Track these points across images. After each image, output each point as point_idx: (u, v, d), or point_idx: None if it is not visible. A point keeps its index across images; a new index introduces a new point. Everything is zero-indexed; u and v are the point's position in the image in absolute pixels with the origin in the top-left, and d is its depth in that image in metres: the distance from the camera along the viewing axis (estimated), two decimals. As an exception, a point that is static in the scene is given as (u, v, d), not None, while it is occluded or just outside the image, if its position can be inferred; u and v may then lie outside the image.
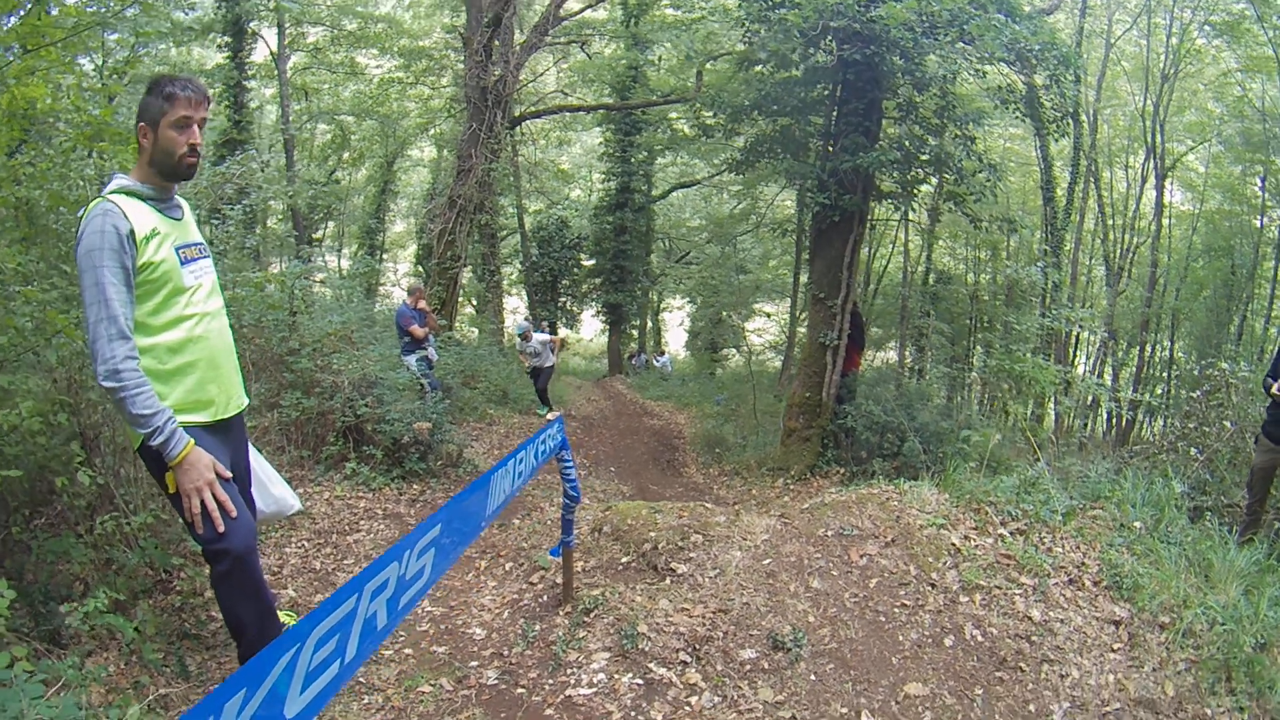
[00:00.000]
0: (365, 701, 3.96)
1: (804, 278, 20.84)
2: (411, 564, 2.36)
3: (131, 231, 3.04)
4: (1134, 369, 27.03)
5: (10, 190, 4.93)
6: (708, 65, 19.15)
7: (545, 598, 5.19)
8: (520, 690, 4.11)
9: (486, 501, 3.18)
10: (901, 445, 11.32)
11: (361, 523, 7.20)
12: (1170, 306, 26.11)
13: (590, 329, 45.47)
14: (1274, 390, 6.58)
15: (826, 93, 12.73)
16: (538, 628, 4.70)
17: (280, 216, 28.64)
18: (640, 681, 4.05)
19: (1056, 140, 20.01)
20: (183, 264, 3.25)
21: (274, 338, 8.57)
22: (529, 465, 3.88)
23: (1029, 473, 6.29)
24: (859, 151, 11.45)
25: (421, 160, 37.21)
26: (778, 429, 13.89)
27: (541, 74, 28.54)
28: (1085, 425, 22.81)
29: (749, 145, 14.11)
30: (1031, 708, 3.97)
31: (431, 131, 31.73)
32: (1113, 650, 4.31)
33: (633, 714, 3.84)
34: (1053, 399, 19.74)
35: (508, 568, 6.08)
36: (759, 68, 13.13)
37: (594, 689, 4.04)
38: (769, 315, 36.96)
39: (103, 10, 5.55)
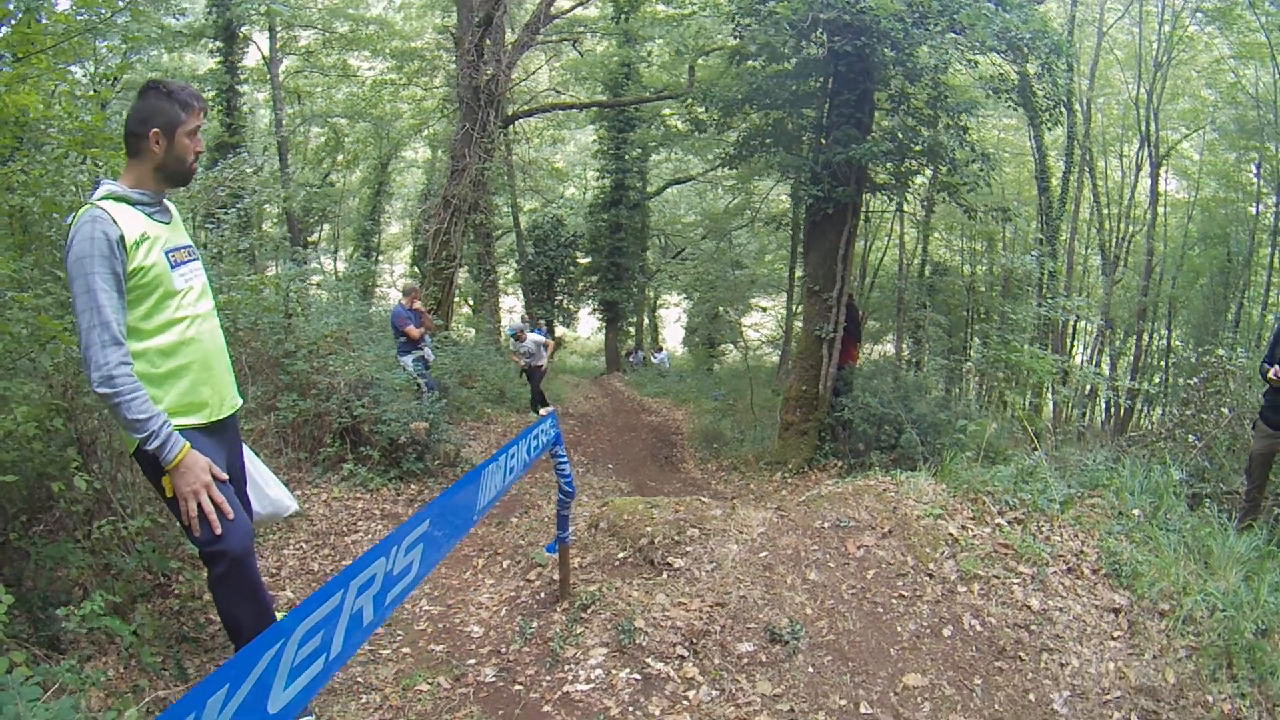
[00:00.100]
0: (363, 700, 3.96)
1: (800, 272, 20.84)
2: (399, 560, 2.35)
3: (121, 237, 3.03)
4: (1131, 358, 27.05)
5: (3, 198, 4.94)
6: (700, 61, 19.12)
7: (543, 594, 5.19)
8: (518, 687, 4.11)
9: (477, 497, 3.18)
10: (899, 437, 11.34)
11: (359, 523, 7.20)
12: (1167, 295, 26.14)
13: (587, 327, 45.45)
14: (1270, 375, 6.58)
15: (818, 85, 12.74)
16: (535, 624, 4.70)
17: (275, 220, 28.63)
18: (638, 676, 4.05)
19: (1050, 129, 20.02)
20: (173, 267, 3.24)
21: (269, 340, 8.57)
22: (521, 461, 3.87)
23: (1026, 462, 6.28)
24: (851, 143, 11.45)
25: (416, 161, 37.16)
26: (775, 423, 13.89)
27: (534, 72, 28.48)
28: (1083, 415, 22.81)
29: (742, 139, 14.12)
30: (1031, 697, 3.97)
31: (425, 132, 31.71)
32: (1112, 638, 4.30)
33: (630, 709, 3.84)
34: (1050, 389, 19.73)
35: (505, 565, 6.08)
36: (751, 62, 13.12)
37: (591, 685, 4.04)
38: (765, 310, 37.01)
39: (93, 18, 5.54)
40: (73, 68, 7.17)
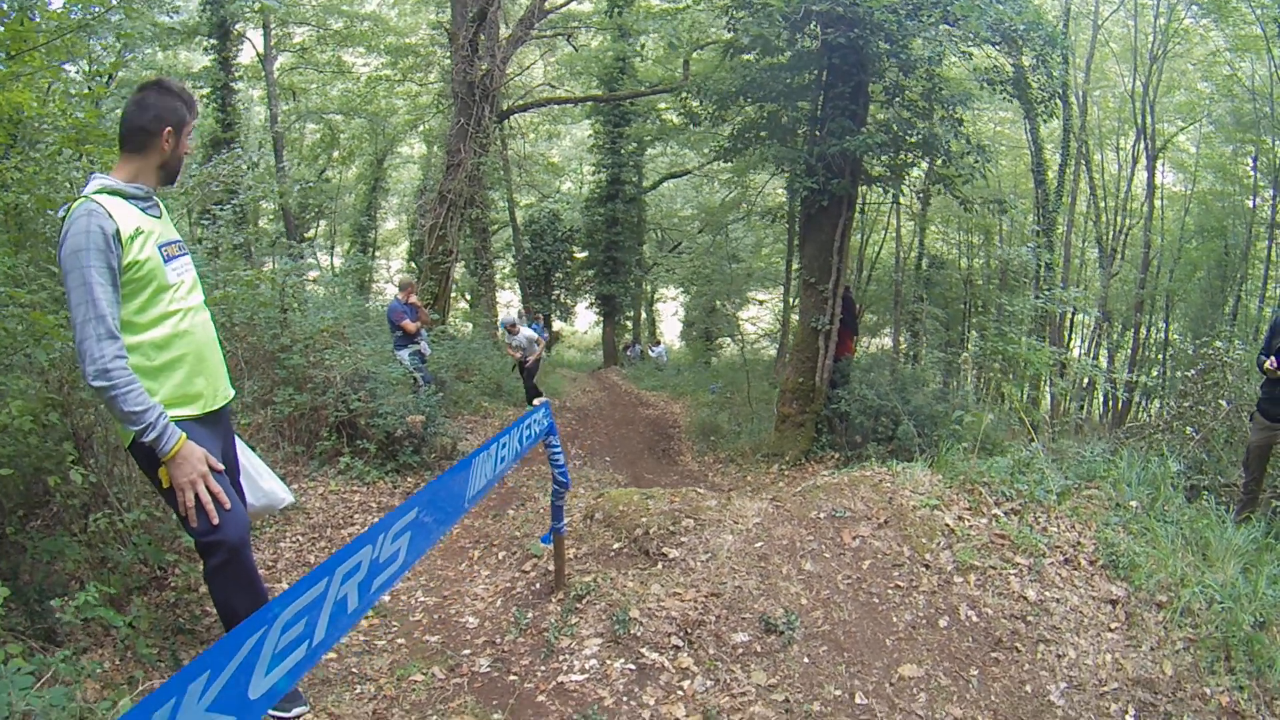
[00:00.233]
0: (358, 691, 3.96)
1: (796, 265, 20.84)
2: (386, 547, 2.35)
3: (117, 231, 3.03)
4: (1129, 351, 27.08)
5: (-2, 195, 4.94)
6: (694, 55, 19.16)
7: (538, 585, 5.20)
8: (513, 677, 4.12)
9: (467, 485, 3.18)
10: (896, 429, 11.34)
11: (356, 516, 7.21)
12: (1164, 288, 26.18)
13: (584, 321, 45.48)
14: (1268, 367, 6.59)
15: (813, 78, 12.71)
16: (530, 615, 4.70)
17: (272, 216, 28.62)
18: (632, 667, 4.05)
19: (1046, 122, 19.99)
20: (166, 261, 3.24)
21: (266, 335, 8.57)
22: (513, 450, 3.87)
23: (1023, 453, 6.29)
24: (846, 135, 11.43)
25: (411, 157, 37.13)
26: (772, 416, 13.89)
27: (528, 67, 28.45)
28: (1081, 408, 22.83)
29: (737, 132, 14.09)
30: (1028, 688, 3.97)
31: (420, 128, 31.68)
32: (1110, 630, 4.31)
33: (625, 699, 3.84)
34: (1048, 381, 19.76)
35: (500, 557, 6.09)
36: (745, 55, 13.10)
37: (586, 675, 4.04)
38: (762, 303, 37.03)
39: (86, 15, 5.54)
40: (67, 66, 7.18)
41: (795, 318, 17.30)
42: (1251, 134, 22.48)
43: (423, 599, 5.33)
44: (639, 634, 4.26)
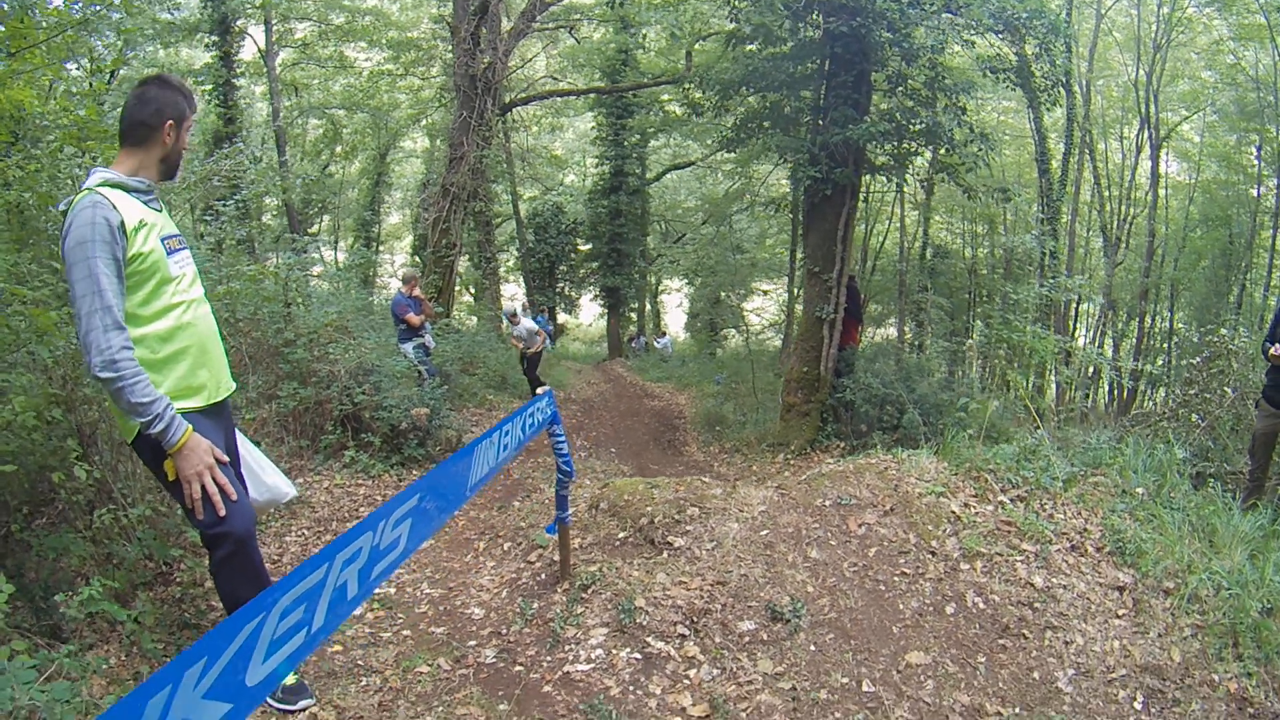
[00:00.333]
0: (363, 683, 3.96)
1: (800, 254, 20.82)
2: (387, 534, 2.34)
3: (122, 223, 3.02)
4: (1134, 340, 27.03)
5: (0, 193, 4.93)
6: (696, 45, 19.08)
7: (543, 576, 5.19)
8: (518, 668, 4.12)
9: (470, 471, 3.16)
10: (901, 418, 11.34)
11: (361, 509, 7.21)
12: (1169, 277, 26.13)
13: (589, 313, 45.46)
14: (1273, 354, 6.56)
15: (815, 67, 12.69)
16: (536, 606, 4.70)
17: (275, 212, 28.62)
18: (638, 656, 4.05)
19: (1049, 111, 19.99)
20: (168, 254, 3.24)
21: (270, 330, 8.58)
22: (516, 438, 3.85)
23: (1029, 441, 6.26)
24: (849, 124, 11.41)
25: (414, 151, 37.08)
26: (777, 406, 13.89)
27: (530, 60, 28.41)
28: (1086, 396, 22.80)
29: (740, 122, 14.08)
30: (1035, 675, 3.96)
31: (423, 122, 31.67)
32: (1117, 616, 4.29)
33: (631, 688, 3.84)
34: (1053, 370, 19.73)
35: (506, 548, 6.09)
36: (747, 45, 13.07)
37: (592, 665, 4.04)
38: (767, 294, 36.98)
39: (86, 13, 5.54)
40: (68, 63, 7.18)
41: (800, 308, 17.29)
42: (1255, 123, 22.43)
43: (428, 591, 5.33)
44: (645, 623, 4.26)
